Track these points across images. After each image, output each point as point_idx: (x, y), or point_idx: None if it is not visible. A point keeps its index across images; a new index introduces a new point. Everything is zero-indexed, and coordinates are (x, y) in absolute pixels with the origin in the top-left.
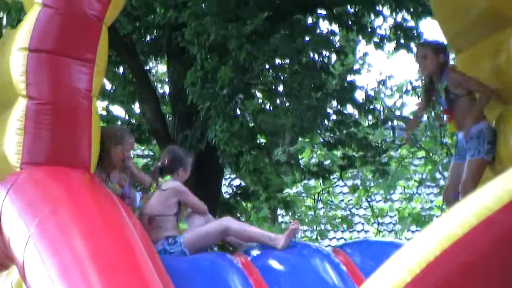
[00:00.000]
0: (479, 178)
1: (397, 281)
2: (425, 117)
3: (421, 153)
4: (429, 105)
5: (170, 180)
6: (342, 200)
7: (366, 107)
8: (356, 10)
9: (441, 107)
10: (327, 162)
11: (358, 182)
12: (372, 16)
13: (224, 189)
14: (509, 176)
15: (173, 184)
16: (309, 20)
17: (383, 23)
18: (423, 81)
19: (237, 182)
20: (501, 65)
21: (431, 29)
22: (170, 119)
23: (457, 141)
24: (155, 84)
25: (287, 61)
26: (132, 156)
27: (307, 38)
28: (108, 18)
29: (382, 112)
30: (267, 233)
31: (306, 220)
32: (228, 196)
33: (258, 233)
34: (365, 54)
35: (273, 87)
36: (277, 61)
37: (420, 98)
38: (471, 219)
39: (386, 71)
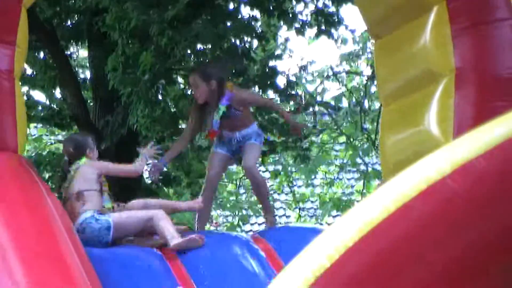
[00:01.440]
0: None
1: (316, 267)
2: (345, 103)
3: (342, 139)
4: (201, 127)
5: (85, 160)
6: None
7: (288, 93)
8: None
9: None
10: None
11: (279, 167)
12: (294, 2)
13: (145, 174)
14: (424, 163)
15: (90, 162)
16: (231, 6)
17: (304, 8)
18: (193, 105)
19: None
20: (419, 51)
21: (351, 15)
22: (91, 104)
23: (230, 138)
24: (76, 69)
25: (209, 46)
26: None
27: (228, 24)
28: (27, 0)
29: (303, 98)
30: (174, 231)
31: (228, 205)
32: (149, 182)
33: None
34: (287, 40)
35: None
36: (199, 46)
37: (190, 120)
38: (390, 205)
39: (307, 57)
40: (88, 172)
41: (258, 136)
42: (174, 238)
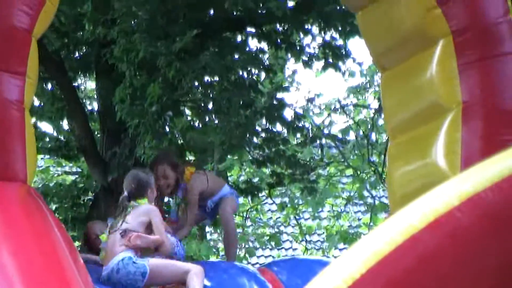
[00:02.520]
0: None
1: None
2: (353, 136)
3: (349, 171)
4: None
5: (146, 202)
6: (271, 218)
7: (295, 125)
8: (285, 28)
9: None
10: (255, 180)
11: (286, 200)
12: (301, 35)
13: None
14: (432, 195)
15: (149, 206)
16: (238, 38)
17: (312, 41)
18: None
19: (166, 199)
20: (425, 84)
21: (359, 48)
22: (98, 136)
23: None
24: (84, 100)
25: (216, 78)
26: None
27: (236, 56)
28: (37, 31)
29: (310, 130)
30: None
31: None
32: None
33: None
34: (294, 72)
35: (202, 105)
36: (206, 78)
37: None
38: (397, 237)
39: (315, 90)
40: (142, 215)
41: (232, 193)
42: None
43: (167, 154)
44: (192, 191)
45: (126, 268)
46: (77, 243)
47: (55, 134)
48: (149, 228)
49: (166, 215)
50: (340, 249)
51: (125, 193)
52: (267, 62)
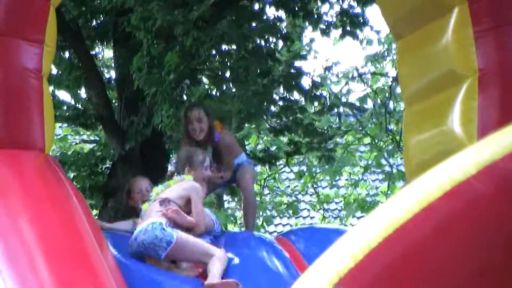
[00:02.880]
0: None
1: (340, 267)
2: (370, 104)
3: (367, 140)
4: None
5: (192, 181)
6: (288, 187)
7: (312, 94)
8: None
9: None
10: (273, 148)
11: (304, 168)
12: (319, 3)
13: None
14: (449, 164)
15: (193, 183)
16: (256, 6)
17: (329, 9)
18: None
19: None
20: (441, 52)
21: (377, 16)
22: (116, 104)
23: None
24: (101, 69)
25: (234, 47)
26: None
27: (253, 24)
28: None
29: (328, 99)
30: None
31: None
32: None
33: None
34: (312, 41)
35: (220, 73)
36: (224, 47)
37: None
38: (414, 205)
39: (332, 58)
40: (184, 190)
41: (249, 163)
42: (214, 278)
43: (202, 102)
44: (225, 141)
45: (154, 232)
46: (94, 212)
47: (72, 102)
48: (188, 204)
49: None
50: (358, 218)
51: (174, 166)
52: (284, 31)
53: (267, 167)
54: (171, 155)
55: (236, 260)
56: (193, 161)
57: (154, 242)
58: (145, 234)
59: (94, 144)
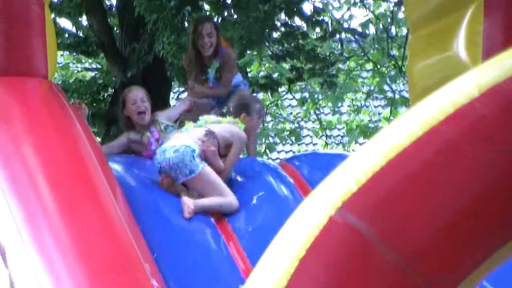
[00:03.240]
0: None
1: (343, 191)
2: (372, 30)
3: (369, 65)
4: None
5: (242, 127)
6: (291, 113)
7: (314, 19)
8: None
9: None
10: (275, 75)
11: (306, 94)
12: None
13: (172, 102)
14: (452, 87)
15: (242, 132)
16: None
17: None
18: (190, 57)
19: (185, 94)
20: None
21: None
22: (117, 31)
23: None
24: None
25: None
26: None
27: None
28: None
29: (330, 25)
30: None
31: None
32: None
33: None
34: None
35: None
36: None
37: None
38: (417, 129)
39: None
40: (231, 134)
41: (245, 84)
42: (200, 203)
43: (210, 16)
44: (230, 60)
45: (183, 155)
46: (97, 139)
47: (74, 30)
48: (227, 148)
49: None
50: (360, 144)
51: (225, 109)
52: None
53: (269, 94)
54: (172, 82)
55: (240, 185)
56: (251, 109)
57: (179, 165)
58: (175, 153)
59: (96, 72)
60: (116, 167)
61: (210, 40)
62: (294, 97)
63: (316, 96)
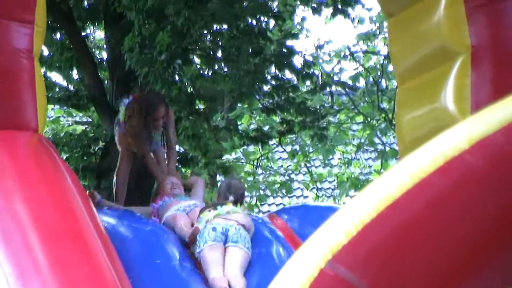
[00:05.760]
0: None
1: (334, 243)
2: (363, 83)
3: (360, 118)
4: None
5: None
6: (281, 166)
7: (304, 72)
8: None
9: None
10: (266, 128)
11: (297, 147)
12: None
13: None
14: (442, 140)
15: (251, 222)
16: None
17: None
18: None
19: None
20: (433, 28)
21: None
22: (108, 85)
23: None
24: (93, 50)
25: (225, 26)
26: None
27: (245, 3)
28: None
29: (320, 77)
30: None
31: (246, 185)
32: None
33: None
34: (303, 19)
35: (211, 53)
36: (215, 26)
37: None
38: (407, 181)
39: (324, 37)
40: (249, 224)
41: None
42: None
43: (160, 94)
44: (171, 117)
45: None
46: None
47: (65, 84)
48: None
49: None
50: (351, 197)
51: (232, 197)
52: (276, 9)
53: (260, 147)
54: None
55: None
56: (244, 198)
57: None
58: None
59: (87, 125)
60: (107, 219)
61: (163, 121)
62: (284, 150)
63: (306, 148)
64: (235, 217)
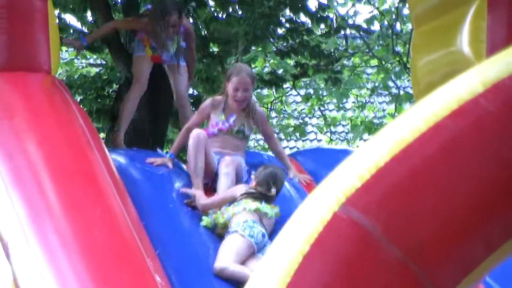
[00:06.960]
0: None
1: (347, 187)
2: (377, 26)
3: (374, 62)
4: None
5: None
6: (295, 109)
7: (319, 15)
8: None
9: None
10: (280, 71)
11: (311, 91)
12: None
13: None
14: (456, 83)
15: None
16: None
17: None
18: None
19: (189, 91)
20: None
21: None
22: None
23: None
24: None
25: None
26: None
27: None
28: None
29: (335, 21)
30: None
31: None
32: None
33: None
34: None
35: None
36: None
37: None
38: (421, 124)
39: None
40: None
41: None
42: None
43: (178, 2)
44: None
45: None
46: (102, 135)
47: (79, 26)
48: None
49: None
50: (365, 140)
51: (274, 190)
52: None
53: (274, 90)
54: None
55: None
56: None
57: None
58: None
59: (101, 68)
60: (119, 159)
61: (174, 30)
62: (298, 93)
63: (320, 92)
64: (268, 223)
